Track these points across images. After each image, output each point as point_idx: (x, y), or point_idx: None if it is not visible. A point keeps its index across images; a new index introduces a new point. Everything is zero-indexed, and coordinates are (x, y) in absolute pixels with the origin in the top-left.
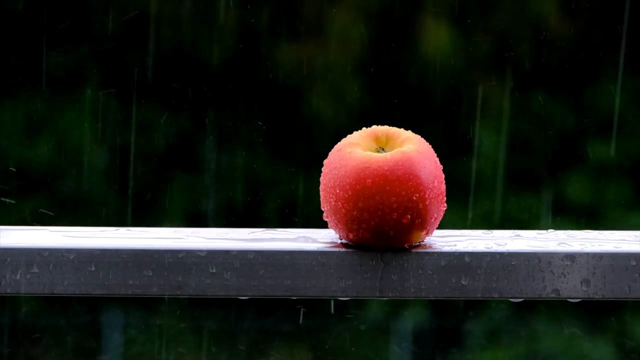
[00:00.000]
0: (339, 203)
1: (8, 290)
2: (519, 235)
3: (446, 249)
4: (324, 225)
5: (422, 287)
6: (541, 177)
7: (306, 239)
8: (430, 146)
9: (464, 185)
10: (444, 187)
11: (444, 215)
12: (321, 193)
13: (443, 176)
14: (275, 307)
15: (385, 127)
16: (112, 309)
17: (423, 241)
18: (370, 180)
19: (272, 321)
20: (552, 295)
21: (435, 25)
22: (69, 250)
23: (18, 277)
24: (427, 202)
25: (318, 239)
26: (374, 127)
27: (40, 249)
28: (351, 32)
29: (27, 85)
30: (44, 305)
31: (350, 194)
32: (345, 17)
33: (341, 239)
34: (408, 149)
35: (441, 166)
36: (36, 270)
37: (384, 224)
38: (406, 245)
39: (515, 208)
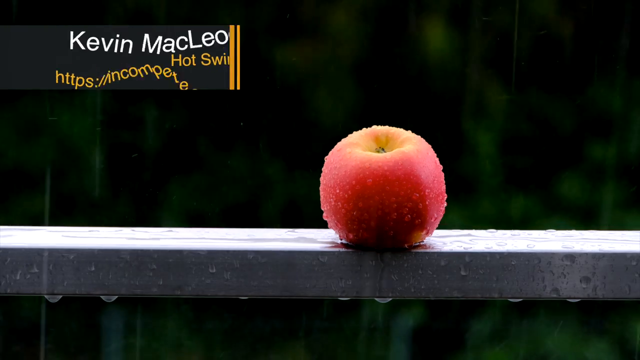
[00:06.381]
0: (339, 203)
1: (8, 290)
2: (519, 235)
3: (446, 249)
4: (324, 225)
5: (422, 287)
6: (540, 177)
7: (306, 239)
8: (430, 146)
9: (464, 185)
10: (443, 187)
11: (444, 215)
12: (321, 193)
13: (443, 176)
14: (275, 307)
15: (385, 127)
16: (112, 309)
17: (423, 241)
18: (370, 180)
19: (271, 321)
20: (552, 295)
21: (435, 24)
22: (69, 250)
23: (18, 277)
24: (427, 202)
25: (318, 239)
26: (374, 127)
27: (40, 249)
28: (350, 32)
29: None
30: (44, 305)
31: (350, 194)
32: (344, 16)
33: (341, 239)
34: (408, 149)
35: (441, 166)
36: (36, 270)
37: (384, 224)
38: (406, 245)
39: (514, 208)
